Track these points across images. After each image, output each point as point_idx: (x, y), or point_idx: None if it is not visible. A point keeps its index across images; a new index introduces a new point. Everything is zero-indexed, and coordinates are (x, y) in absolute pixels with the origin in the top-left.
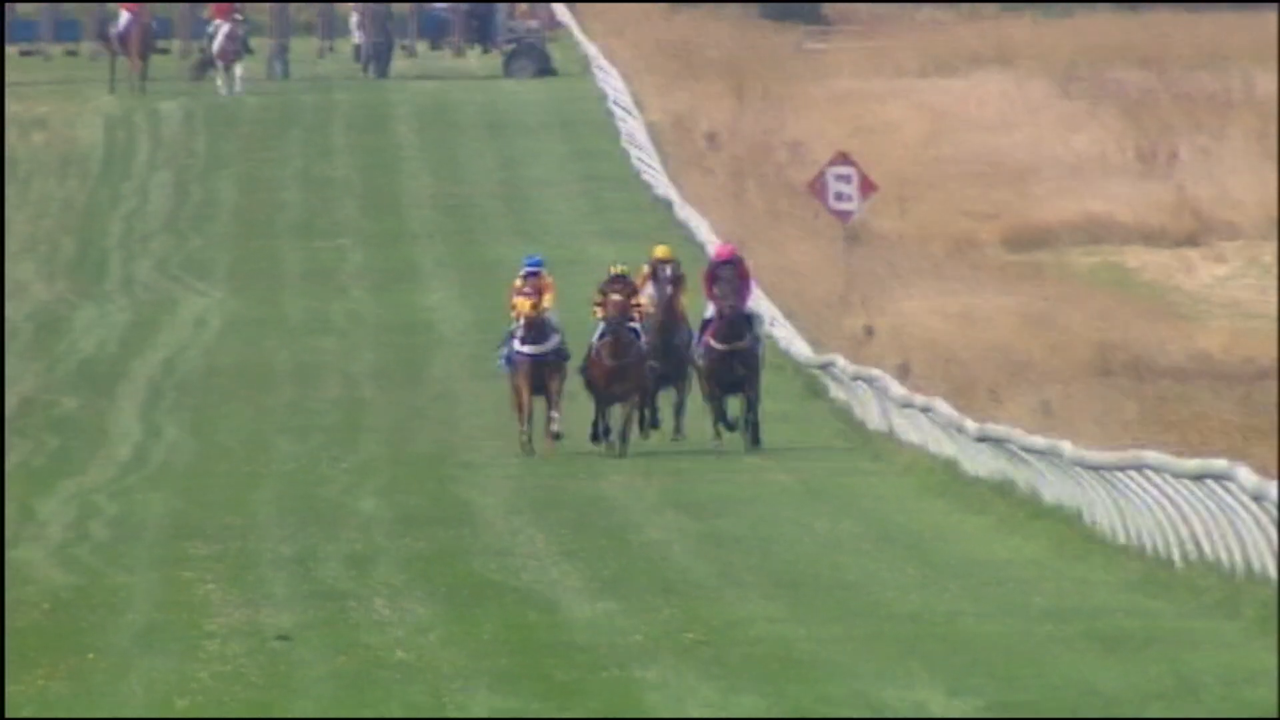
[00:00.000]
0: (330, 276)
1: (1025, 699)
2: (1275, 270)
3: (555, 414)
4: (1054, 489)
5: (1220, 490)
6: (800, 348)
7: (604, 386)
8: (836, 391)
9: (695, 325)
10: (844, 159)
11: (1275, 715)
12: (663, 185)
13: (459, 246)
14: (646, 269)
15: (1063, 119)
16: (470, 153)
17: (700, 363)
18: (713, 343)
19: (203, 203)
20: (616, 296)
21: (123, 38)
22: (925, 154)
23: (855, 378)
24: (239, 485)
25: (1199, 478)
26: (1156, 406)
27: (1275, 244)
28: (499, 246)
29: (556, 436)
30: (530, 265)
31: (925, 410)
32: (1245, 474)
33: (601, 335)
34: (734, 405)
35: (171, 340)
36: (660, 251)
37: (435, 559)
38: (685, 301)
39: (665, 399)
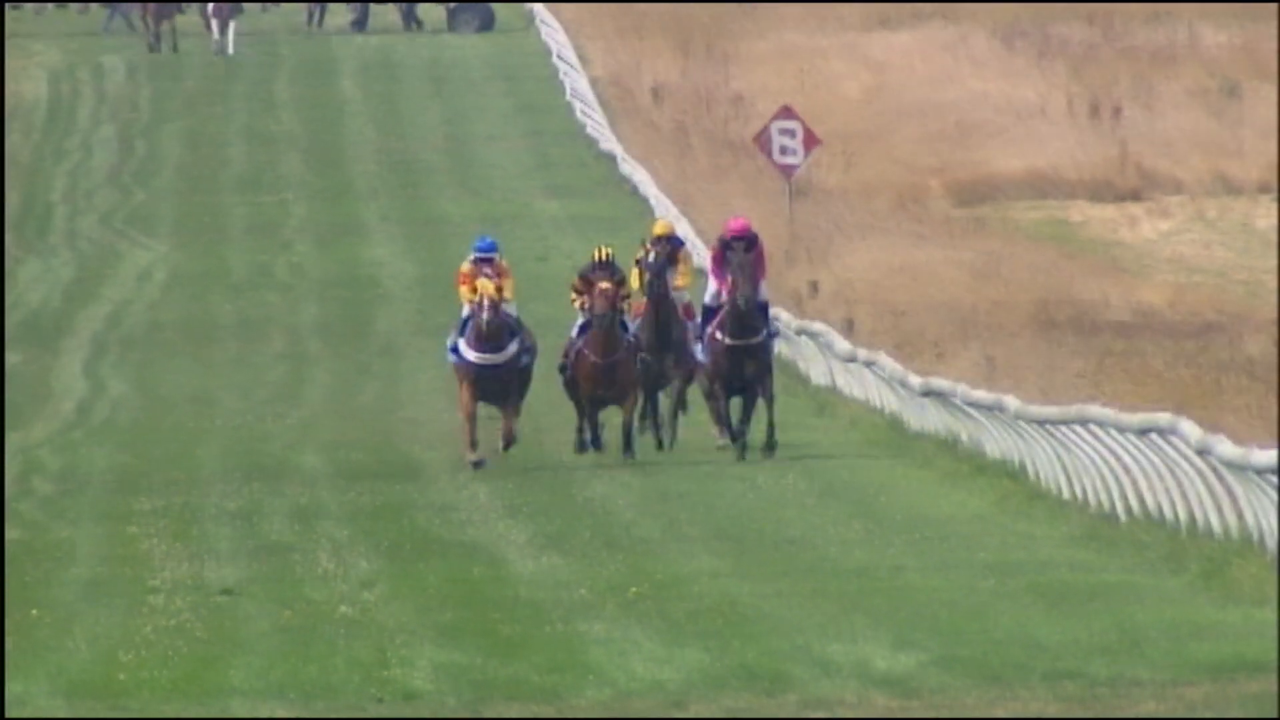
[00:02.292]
0: (274, 231)
1: (969, 653)
2: (1218, 225)
3: (507, 428)
4: (998, 444)
5: (1164, 444)
6: None
7: (591, 389)
8: (780, 346)
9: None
10: (788, 113)
11: (1221, 670)
12: (607, 140)
13: (403, 201)
14: (643, 246)
15: (1006, 73)
16: (414, 107)
17: (703, 358)
18: (720, 336)
19: (147, 157)
20: (605, 285)
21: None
22: (869, 108)
23: (799, 332)
24: (183, 440)
25: (1143, 432)
26: (1100, 361)
27: (1218, 199)
28: (443, 201)
29: (507, 446)
30: (482, 250)
31: (869, 365)
32: (1189, 428)
33: (583, 329)
34: (734, 406)
35: (115, 295)
36: (659, 228)
37: (379, 514)
38: (685, 282)
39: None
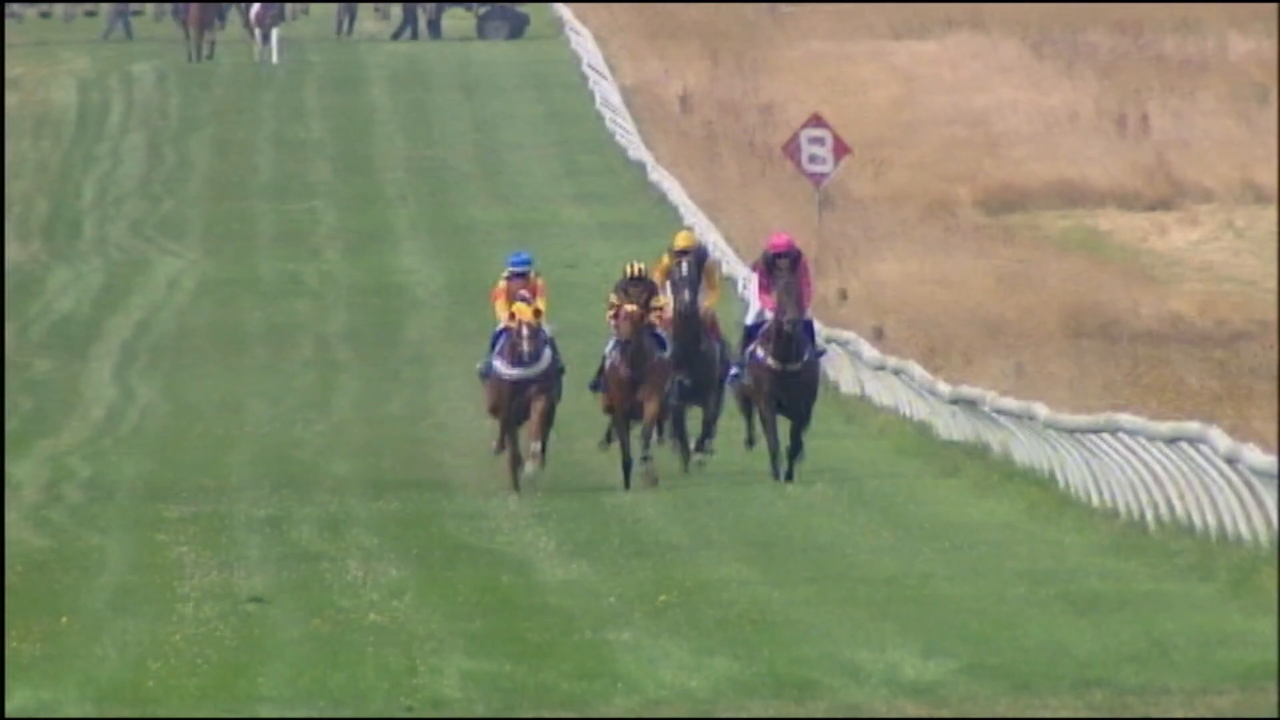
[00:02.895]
0: (304, 238)
1: (998, 661)
2: (1247, 234)
3: (536, 445)
4: (1027, 451)
5: (1194, 453)
6: None
7: (621, 400)
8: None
9: (727, 326)
10: (818, 121)
11: (1250, 678)
12: (636, 148)
13: (432, 209)
14: (665, 259)
15: (1035, 82)
16: (444, 115)
17: (747, 381)
18: (766, 359)
19: (176, 165)
20: (630, 307)
21: (184, 12)
22: (898, 116)
23: (829, 341)
24: (213, 447)
25: (1172, 440)
26: (1130, 369)
27: (1247, 208)
28: (472, 209)
29: (537, 459)
30: (516, 264)
31: (898, 373)
32: (1218, 436)
33: (616, 344)
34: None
35: (145, 302)
36: (681, 240)
37: (409, 521)
38: (713, 301)
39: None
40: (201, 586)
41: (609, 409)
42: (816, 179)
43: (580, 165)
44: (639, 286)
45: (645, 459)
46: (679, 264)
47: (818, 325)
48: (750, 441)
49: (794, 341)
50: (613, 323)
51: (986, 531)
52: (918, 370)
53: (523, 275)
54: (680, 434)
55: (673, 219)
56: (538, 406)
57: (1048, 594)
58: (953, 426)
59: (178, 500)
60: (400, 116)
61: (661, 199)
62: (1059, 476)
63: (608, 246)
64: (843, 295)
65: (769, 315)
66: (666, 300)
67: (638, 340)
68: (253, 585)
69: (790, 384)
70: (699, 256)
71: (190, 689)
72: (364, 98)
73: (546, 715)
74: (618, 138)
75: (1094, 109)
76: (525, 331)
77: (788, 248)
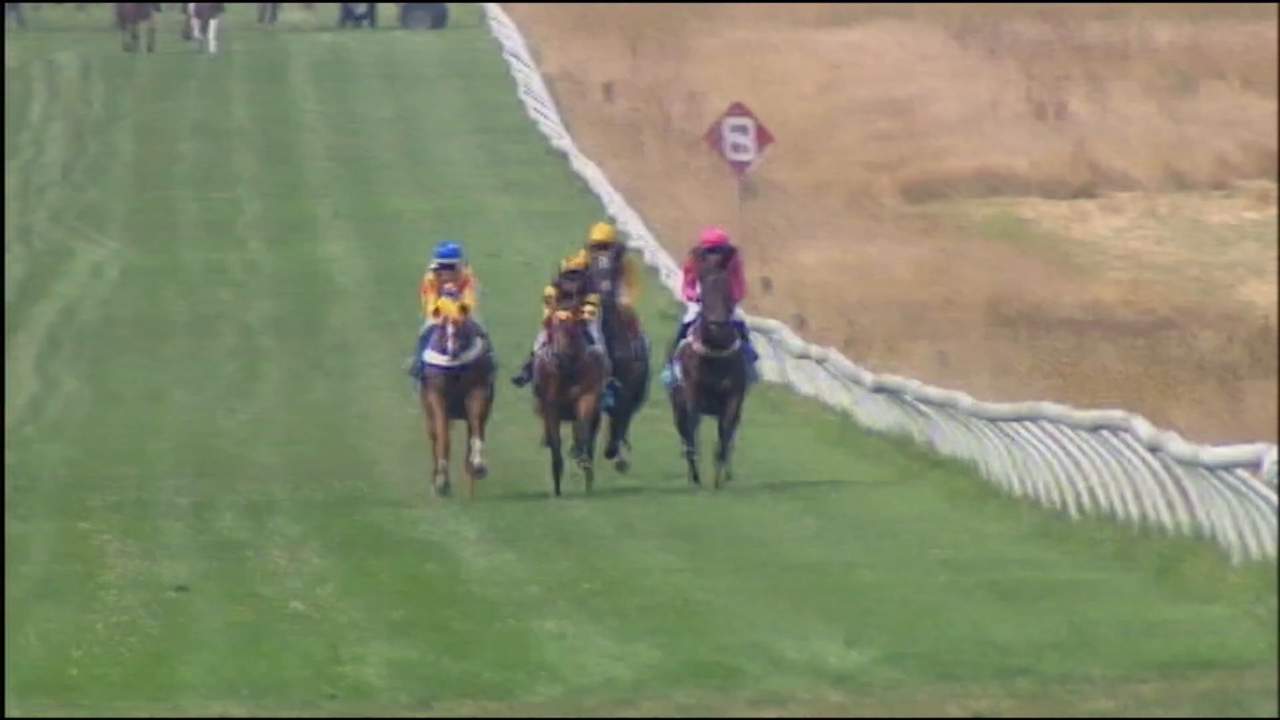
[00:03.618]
0: (227, 228)
1: (921, 650)
2: (1170, 221)
3: (477, 441)
4: (950, 440)
5: (1116, 442)
6: None
7: (554, 394)
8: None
9: (651, 324)
10: (740, 110)
11: (1173, 667)
12: (559, 137)
13: (356, 198)
14: (582, 253)
15: (959, 70)
16: (367, 104)
17: (676, 371)
18: (694, 345)
19: (99, 154)
20: (563, 315)
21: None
22: (822, 105)
23: (751, 329)
24: (136, 436)
25: (1095, 429)
26: (1053, 358)
27: (1169, 196)
28: (395, 198)
29: (479, 471)
30: (444, 255)
31: (822, 362)
32: (1141, 425)
33: (546, 343)
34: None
35: (68, 291)
36: (598, 233)
37: (332, 510)
38: (633, 298)
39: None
40: (124, 575)
41: (540, 410)
42: (739, 167)
43: (503, 154)
44: (575, 281)
45: (582, 459)
46: (597, 258)
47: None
48: (690, 453)
49: (722, 330)
50: (544, 335)
51: (909, 520)
52: (840, 359)
53: (450, 267)
54: (619, 436)
55: (596, 208)
56: (476, 399)
57: (971, 582)
58: (876, 415)
59: (101, 488)
60: (324, 106)
61: (584, 188)
62: (982, 465)
63: (531, 235)
64: (766, 284)
65: (694, 309)
66: (596, 298)
67: (570, 359)
68: (176, 573)
69: (718, 370)
70: (617, 250)
71: (113, 677)
72: (287, 87)
73: (470, 704)
74: (541, 126)
75: (1017, 97)
76: (451, 330)
77: (719, 242)
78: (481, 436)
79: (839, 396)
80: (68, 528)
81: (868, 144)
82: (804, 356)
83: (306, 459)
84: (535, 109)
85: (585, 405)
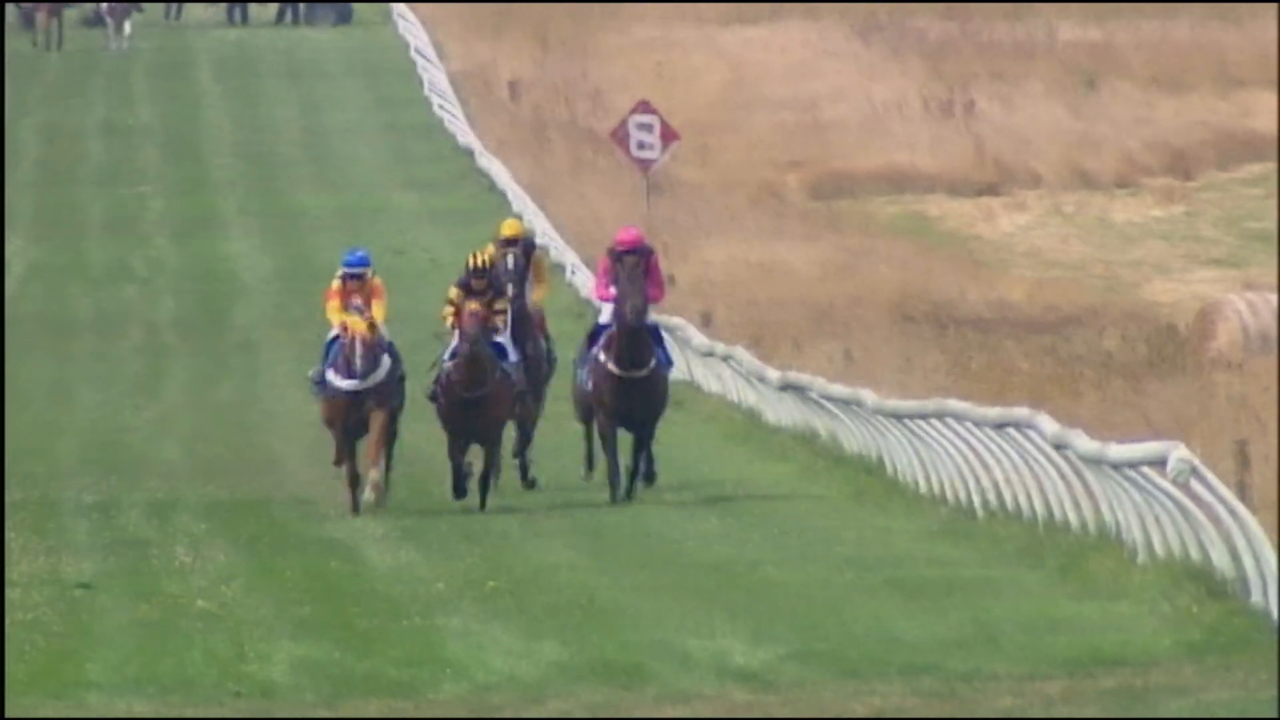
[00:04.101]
0: (132, 225)
1: (827, 647)
2: (1076, 219)
3: (373, 472)
4: (856, 438)
5: (1022, 439)
6: None
7: (459, 421)
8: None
9: (558, 322)
10: (646, 107)
11: (1078, 664)
12: (465, 134)
13: (261, 194)
14: (490, 250)
15: (863, 68)
16: (272, 100)
17: (587, 387)
18: (608, 365)
19: (4, 151)
20: (473, 305)
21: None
22: (727, 102)
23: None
24: (41, 433)
25: (1000, 426)
26: (958, 355)
27: (1075, 193)
28: (301, 195)
29: (379, 490)
30: (352, 265)
31: (727, 359)
32: (1046, 422)
33: (453, 354)
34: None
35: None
36: (508, 229)
37: (237, 508)
38: (542, 294)
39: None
40: (29, 572)
41: (444, 423)
42: (644, 165)
43: (409, 152)
44: (482, 280)
45: (484, 493)
46: (506, 256)
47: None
48: (590, 465)
49: (638, 343)
50: (452, 324)
51: (815, 518)
52: (746, 356)
53: (359, 276)
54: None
55: (501, 205)
56: (376, 422)
57: (876, 580)
58: (781, 412)
59: (6, 486)
60: (228, 102)
61: (490, 185)
62: (887, 462)
63: (437, 233)
64: (671, 281)
65: (608, 310)
66: (504, 303)
67: (477, 350)
68: (81, 571)
69: (634, 393)
70: (526, 247)
71: (18, 675)
72: (192, 83)
73: (375, 702)
74: (446, 124)
75: (921, 95)
76: (359, 349)
77: (636, 244)
78: (381, 461)
79: (745, 394)
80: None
81: (773, 142)
82: (710, 354)
83: (212, 457)
84: (440, 106)
85: (488, 450)
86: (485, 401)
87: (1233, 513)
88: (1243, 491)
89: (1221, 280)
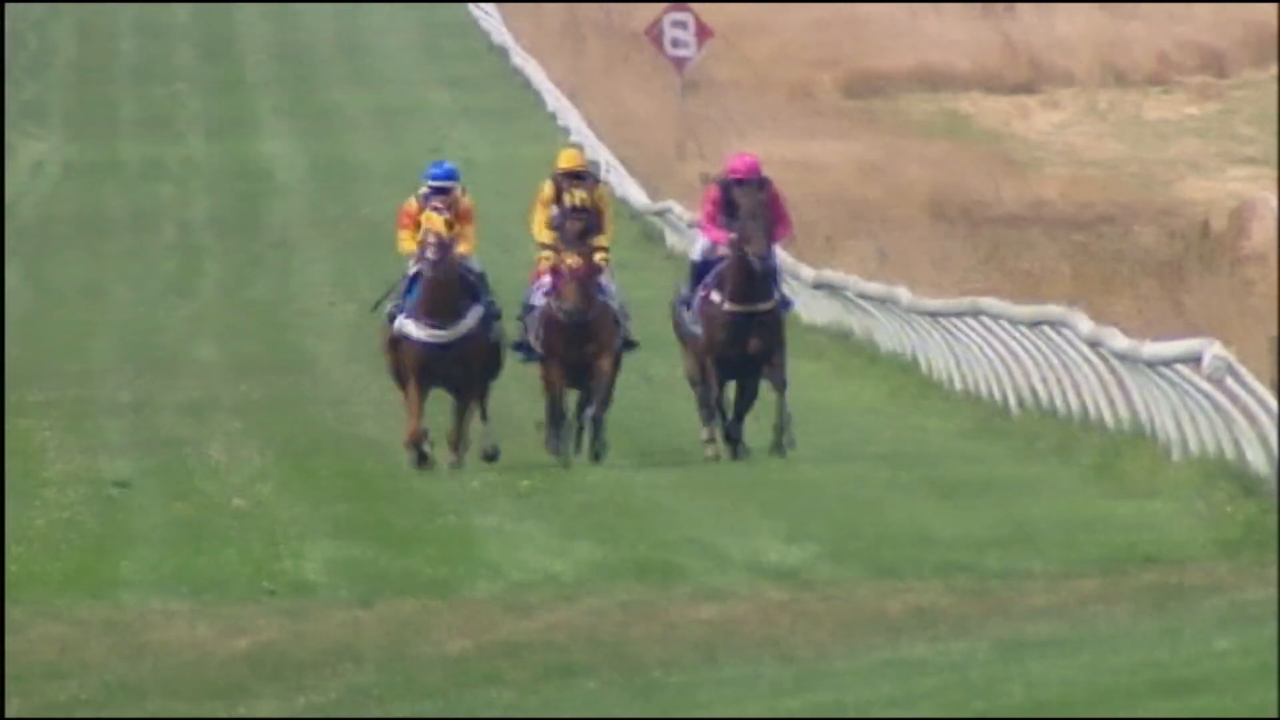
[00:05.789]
0: (167, 123)
1: (862, 545)
2: (1110, 117)
3: (472, 427)
4: (890, 336)
5: (1056, 337)
6: (636, 194)
7: (560, 349)
8: (672, 238)
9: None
10: (680, 6)
11: (1113, 562)
12: (499, 33)
13: (296, 93)
14: (547, 187)
15: None
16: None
17: (696, 329)
18: (718, 300)
19: (38, 50)
20: (572, 262)
21: None
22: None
23: (691, 225)
24: (76, 332)
25: (1035, 324)
26: (992, 253)
27: (1109, 91)
28: (335, 93)
29: (489, 457)
30: (437, 177)
31: None
32: (1081, 320)
33: (550, 289)
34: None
35: (8, 188)
36: (567, 159)
37: (272, 407)
38: (607, 241)
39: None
40: (65, 471)
41: (548, 379)
42: (680, 63)
43: (444, 50)
44: (580, 221)
45: (596, 443)
46: (568, 186)
47: (679, 208)
48: (710, 418)
49: (756, 277)
50: (537, 285)
51: (850, 416)
52: (781, 255)
53: (444, 191)
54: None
55: (536, 103)
56: (471, 381)
57: (911, 478)
58: (816, 311)
59: (41, 385)
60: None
61: (525, 85)
62: (922, 361)
63: (472, 131)
64: (705, 179)
65: (722, 251)
66: (606, 240)
67: (586, 300)
68: (116, 470)
69: (751, 331)
70: (590, 182)
71: (53, 573)
72: None
73: (410, 600)
74: (481, 23)
75: None
76: (432, 240)
77: (753, 171)
78: (478, 417)
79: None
80: (8, 424)
81: (807, 40)
82: None
83: (246, 356)
84: (475, 5)
85: (603, 368)
86: (592, 326)
87: (1268, 410)
88: (1278, 388)
89: (1257, 178)
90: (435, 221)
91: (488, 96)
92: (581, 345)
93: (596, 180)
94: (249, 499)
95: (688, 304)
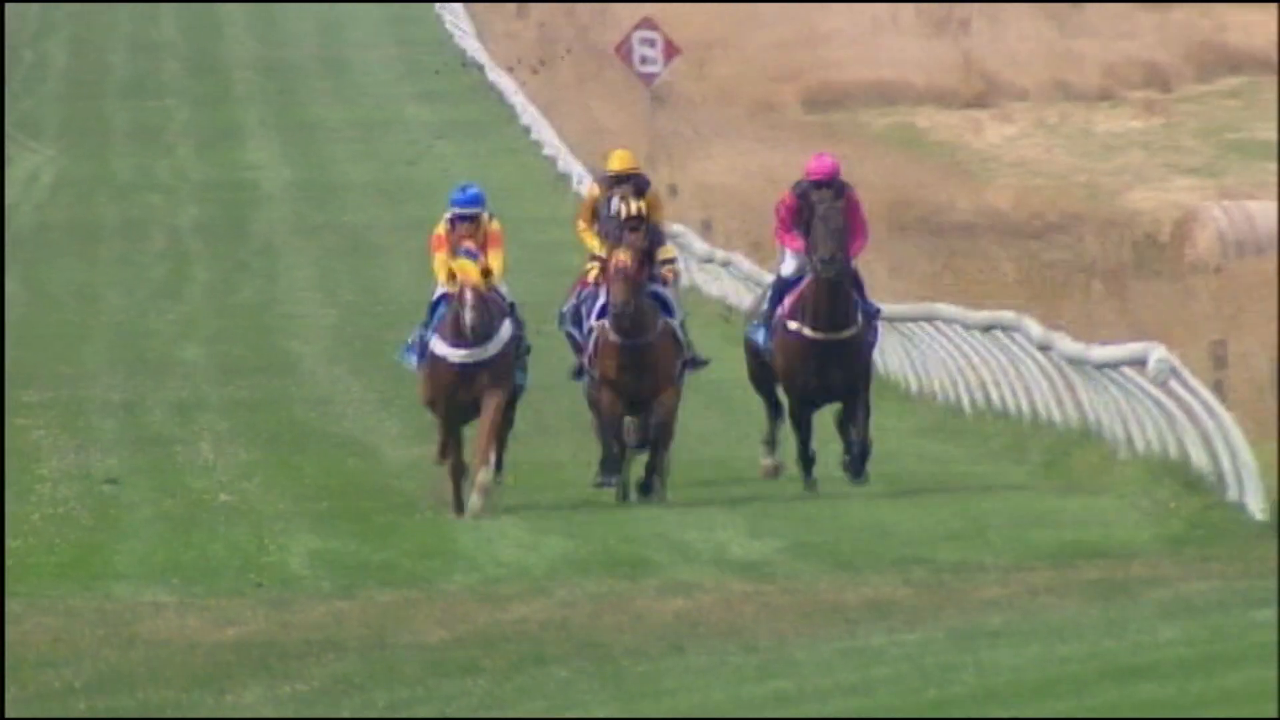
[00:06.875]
0: (157, 135)
1: (821, 540)
2: (1059, 130)
3: (484, 471)
4: None
5: (1008, 341)
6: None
7: (616, 379)
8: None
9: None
10: (648, 24)
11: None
12: (474, 49)
13: (280, 107)
14: (594, 190)
15: None
16: (290, 16)
17: (776, 359)
18: (796, 326)
19: (34, 64)
20: (623, 256)
21: None
22: (725, 16)
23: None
24: (70, 336)
25: (988, 329)
26: (947, 261)
27: (1058, 105)
28: (318, 107)
29: (482, 491)
30: (462, 204)
31: (726, 265)
32: (1032, 325)
33: (601, 312)
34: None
35: (4, 197)
36: (618, 160)
37: (258, 406)
38: (668, 251)
39: None
40: (59, 468)
41: (597, 406)
42: (648, 79)
43: (422, 66)
44: (637, 231)
45: (649, 487)
46: (613, 196)
47: None
48: (772, 446)
49: (840, 298)
50: (595, 279)
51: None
52: (744, 262)
53: (470, 219)
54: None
55: (511, 116)
56: (489, 407)
57: (869, 475)
58: None
59: (36, 386)
60: (248, 18)
61: (500, 99)
62: (879, 363)
63: (450, 143)
64: (673, 190)
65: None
66: (673, 250)
67: (635, 303)
68: (108, 467)
69: (834, 360)
70: (639, 186)
71: (48, 566)
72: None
73: (390, 591)
74: (457, 39)
75: (913, 12)
76: (469, 299)
77: (832, 174)
78: (494, 448)
79: (744, 297)
80: (5, 423)
81: (769, 55)
82: (709, 260)
83: (233, 358)
84: (451, 22)
85: (666, 402)
86: (651, 350)
87: (1210, 411)
88: (1219, 390)
89: (1199, 189)
90: (470, 272)
91: (465, 109)
92: (640, 374)
93: (647, 183)
94: (236, 495)
95: (764, 324)
